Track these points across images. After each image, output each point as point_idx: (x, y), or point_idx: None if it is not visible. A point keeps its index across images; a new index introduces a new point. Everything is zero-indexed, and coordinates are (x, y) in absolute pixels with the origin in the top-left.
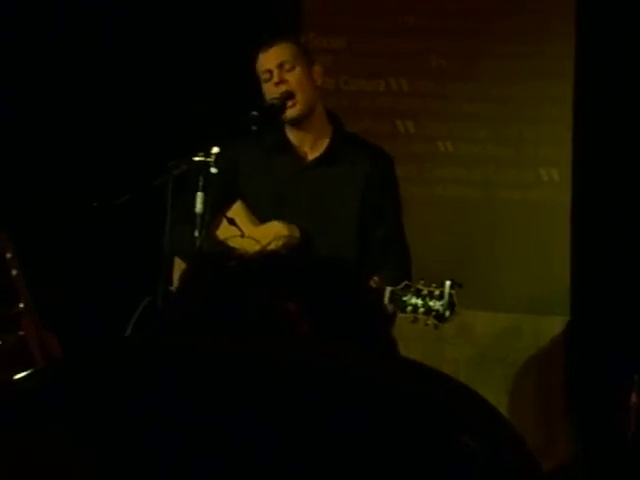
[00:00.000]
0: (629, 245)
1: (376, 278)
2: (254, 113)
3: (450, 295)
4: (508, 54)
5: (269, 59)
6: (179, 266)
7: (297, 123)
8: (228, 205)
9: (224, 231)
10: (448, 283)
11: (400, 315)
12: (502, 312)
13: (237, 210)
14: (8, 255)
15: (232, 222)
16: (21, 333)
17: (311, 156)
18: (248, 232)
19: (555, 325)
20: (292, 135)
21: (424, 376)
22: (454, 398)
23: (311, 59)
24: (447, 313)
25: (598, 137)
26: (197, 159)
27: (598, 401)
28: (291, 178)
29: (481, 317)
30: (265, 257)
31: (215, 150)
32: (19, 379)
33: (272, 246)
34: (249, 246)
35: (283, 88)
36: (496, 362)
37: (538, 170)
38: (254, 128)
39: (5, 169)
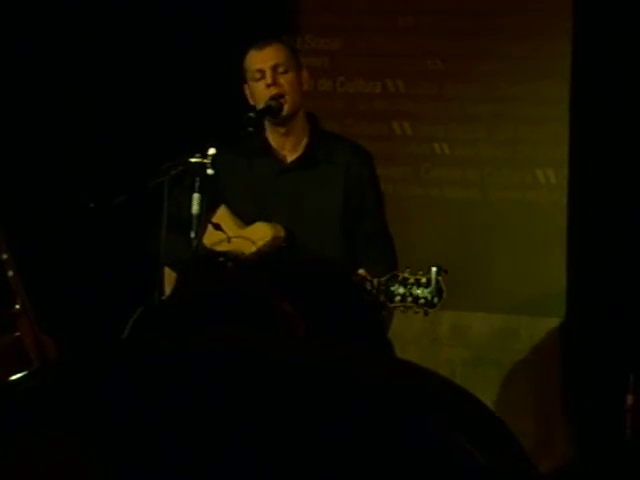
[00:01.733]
0: (625, 246)
1: (361, 270)
2: (251, 114)
3: (437, 281)
4: (505, 55)
5: (263, 59)
6: (169, 275)
7: (281, 124)
8: (212, 211)
9: (210, 237)
10: (434, 269)
11: (390, 306)
12: (498, 313)
13: (221, 215)
14: (4, 256)
15: (218, 227)
16: (17, 334)
17: (290, 158)
18: (233, 235)
19: (551, 326)
20: (272, 138)
21: (420, 377)
22: (450, 399)
23: (300, 63)
24: (435, 299)
25: (595, 138)
26: (193, 160)
27: (594, 402)
28: (270, 181)
29: (477, 318)
30: (261, 258)
31: (212, 151)
32: (15, 380)
33: (267, 247)
34: (245, 247)
35: (275, 90)
36: (492, 364)
37: (535, 171)
38: (251, 129)
39: (0, 170)
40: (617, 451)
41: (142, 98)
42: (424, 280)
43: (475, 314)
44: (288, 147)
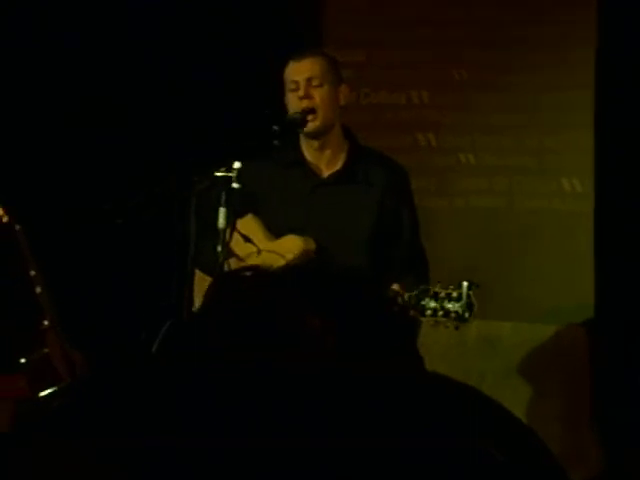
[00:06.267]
0: None
1: (395, 285)
2: (275, 127)
3: (468, 296)
4: (529, 64)
5: (299, 71)
6: (199, 286)
7: (314, 137)
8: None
9: (241, 248)
10: (465, 284)
11: (420, 319)
12: (526, 322)
13: (250, 225)
14: (32, 273)
15: (247, 239)
16: (46, 350)
17: (326, 172)
18: (264, 248)
19: (579, 335)
20: (308, 152)
21: (449, 389)
22: (479, 411)
23: (339, 78)
24: (466, 314)
25: (620, 146)
26: (219, 174)
27: (624, 411)
28: (305, 195)
29: (506, 328)
30: (292, 272)
31: (237, 165)
32: (45, 396)
33: (297, 261)
34: (274, 261)
35: (306, 103)
36: (521, 373)
37: (560, 180)
38: (276, 142)
39: (17, 180)
40: None
41: (169, 110)
42: (455, 294)
43: (503, 323)
44: (324, 161)
